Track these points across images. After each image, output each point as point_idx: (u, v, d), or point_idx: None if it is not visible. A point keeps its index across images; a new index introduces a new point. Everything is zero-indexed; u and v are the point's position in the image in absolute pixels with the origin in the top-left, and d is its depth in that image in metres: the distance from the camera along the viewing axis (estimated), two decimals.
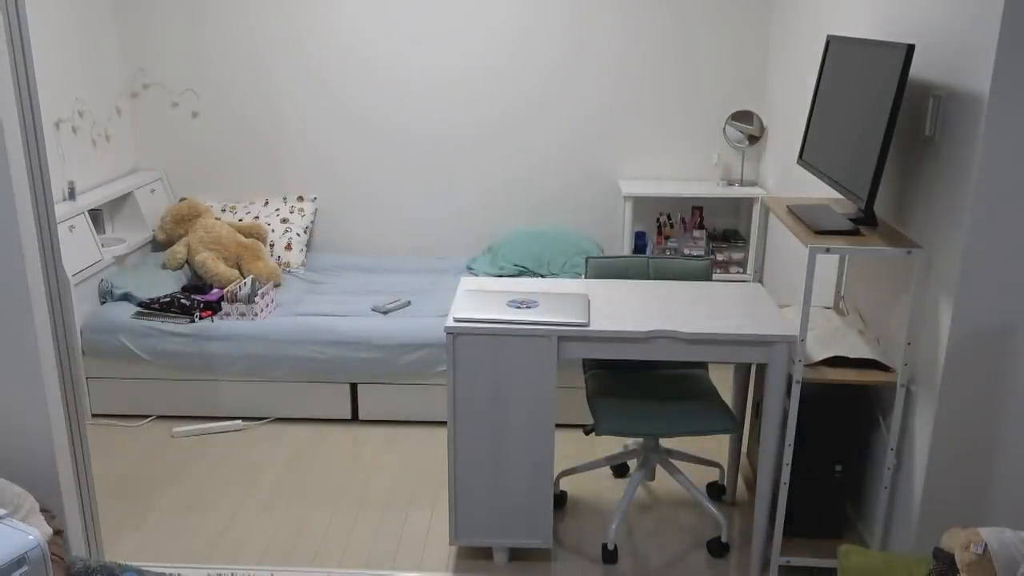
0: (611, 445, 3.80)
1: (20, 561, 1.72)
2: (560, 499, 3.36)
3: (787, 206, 2.96)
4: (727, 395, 3.49)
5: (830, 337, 2.85)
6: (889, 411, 2.74)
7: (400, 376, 3.90)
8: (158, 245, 4.73)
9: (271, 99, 4.89)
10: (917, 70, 2.67)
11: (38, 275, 2.39)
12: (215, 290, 4.28)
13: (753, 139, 4.76)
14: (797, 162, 3.23)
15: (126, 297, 4.10)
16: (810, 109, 3.19)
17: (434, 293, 4.41)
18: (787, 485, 2.77)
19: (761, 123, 4.74)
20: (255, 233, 4.67)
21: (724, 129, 4.79)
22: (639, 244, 4.86)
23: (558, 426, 3.69)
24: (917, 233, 2.64)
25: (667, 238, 4.88)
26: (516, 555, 3.03)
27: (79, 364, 2.63)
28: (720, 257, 4.79)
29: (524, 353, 2.73)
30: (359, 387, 3.96)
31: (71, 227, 4.02)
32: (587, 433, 3.35)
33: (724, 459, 3.62)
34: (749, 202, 4.85)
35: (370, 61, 4.81)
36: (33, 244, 2.36)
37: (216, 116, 4.92)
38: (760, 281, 3.37)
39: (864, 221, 2.75)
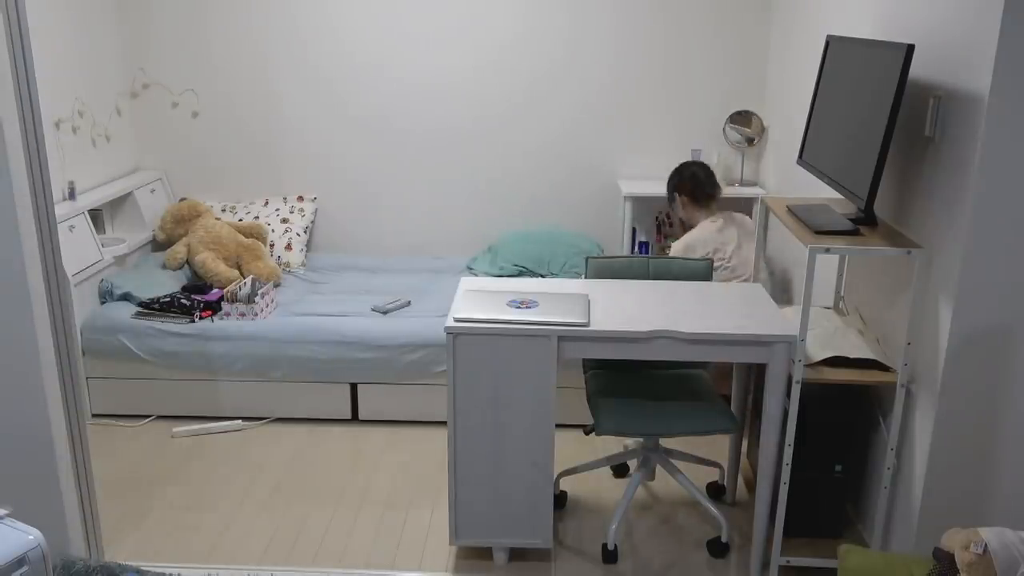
0: (611, 445, 3.80)
1: (20, 561, 1.72)
2: (560, 499, 3.36)
3: (787, 206, 2.96)
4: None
5: (830, 337, 2.85)
6: (889, 411, 2.74)
7: (400, 376, 3.90)
8: (158, 245, 4.73)
9: (271, 99, 4.89)
10: (917, 70, 2.67)
11: (38, 275, 2.39)
12: (215, 290, 4.28)
13: (752, 140, 4.76)
14: (797, 162, 3.23)
15: (126, 297, 4.10)
16: (810, 109, 3.19)
17: (434, 293, 4.40)
18: (787, 485, 2.77)
19: (761, 123, 4.74)
20: (255, 233, 4.67)
21: (724, 129, 4.79)
22: (641, 252, 4.88)
23: (558, 426, 3.68)
24: (917, 233, 2.64)
25: (666, 237, 4.88)
26: (516, 555, 3.03)
27: (79, 364, 2.63)
28: None
29: (524, 353, 2.73)
30: (359, 387, 3.96)
31: (71, 227, 4.02)
32: (587, 433, 3.35)
33: (724, 459, 3.62)
34: (749, 202, 4.85)
35: (370, 61, 4.81)
36: (33, 244, 2.36)
37: (216, 116, 4.92)
38: (760, 281, 3.37)
39: (864, 221, 2.74)
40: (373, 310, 4.16)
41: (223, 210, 4.89)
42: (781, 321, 2.78)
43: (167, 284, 4.26)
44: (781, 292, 4.22)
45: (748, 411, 3.41)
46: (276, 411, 3.99)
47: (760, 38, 4.73)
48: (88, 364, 3.92)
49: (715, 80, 4.80)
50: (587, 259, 3.36)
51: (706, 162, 4.87)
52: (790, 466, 2.76)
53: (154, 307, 4.00)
